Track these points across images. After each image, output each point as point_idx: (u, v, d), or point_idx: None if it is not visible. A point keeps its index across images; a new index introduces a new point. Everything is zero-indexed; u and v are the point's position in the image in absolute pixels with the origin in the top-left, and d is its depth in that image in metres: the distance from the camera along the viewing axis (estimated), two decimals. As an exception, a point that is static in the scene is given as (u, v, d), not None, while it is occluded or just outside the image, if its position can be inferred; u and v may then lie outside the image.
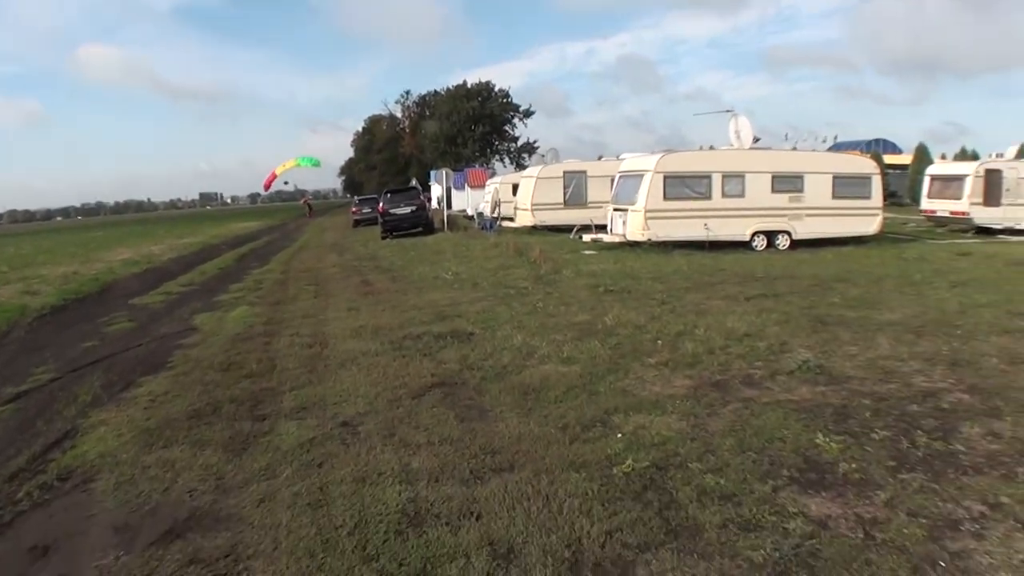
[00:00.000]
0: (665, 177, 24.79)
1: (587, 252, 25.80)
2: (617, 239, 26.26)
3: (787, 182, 25.87)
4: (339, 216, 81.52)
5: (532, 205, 36.34)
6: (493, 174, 61.62)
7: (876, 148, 63.62)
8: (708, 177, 25.20)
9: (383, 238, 38.68)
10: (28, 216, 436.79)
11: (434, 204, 60.57)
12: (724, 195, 25.26)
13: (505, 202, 42.14)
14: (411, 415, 8.37)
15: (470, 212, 52.30)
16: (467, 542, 5.40)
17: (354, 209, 60.55)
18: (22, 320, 17.92)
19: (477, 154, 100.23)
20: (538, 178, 36.63)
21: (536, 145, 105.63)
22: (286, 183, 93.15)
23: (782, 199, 25.75)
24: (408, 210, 39.71)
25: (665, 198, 24.82)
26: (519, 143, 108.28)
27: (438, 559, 5.21)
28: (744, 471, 6.32)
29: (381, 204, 40.88)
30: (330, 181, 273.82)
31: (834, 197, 26.24)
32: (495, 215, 41.57)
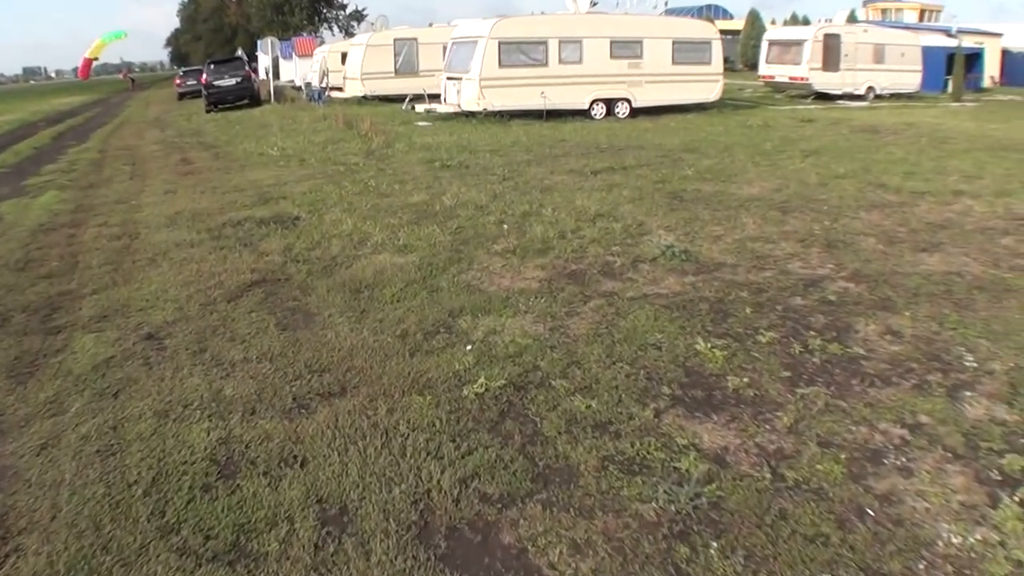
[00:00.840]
0: (500, 43, 23.44)
1: (421, 124, 24.41)
2: (451, 109, 24.85)
3: (626, 48, 24.85)
4: (165, 89, 77.07)
5: (362, 74, 34.45)
6: (322, 43, 59.09)
7: (707, 14, 63.59)
8: (544, 43, 23.94)
9: (208, 112, 36.13)
10: None
11: (262, 75, 57.94)
12: (561, 62, 24.08)
13: (334, 72, 40.09)
14: (226, 323, 7.09)
15: (299, 83, 50.06)
16: (289, 500, 4.22)
17: (178, 81, 57.44)
18: None
19: (305, 23, 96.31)
20: (367, 46, 34.62)
21: (365, 13, 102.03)
22: (96, 59, 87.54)
23: (621, 65, 24.77)
24: (233, 82, 37.19)
25: (500, 66, 23.51)
26: (348, 11, 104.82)
27: (254, 527, 4.03)
28: (618, 389, 5.31)
29: (204, 76, 38.22)
30: (157, 53, 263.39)
31: (674, 63, 25.47)
32: (324, 85, 39.51)
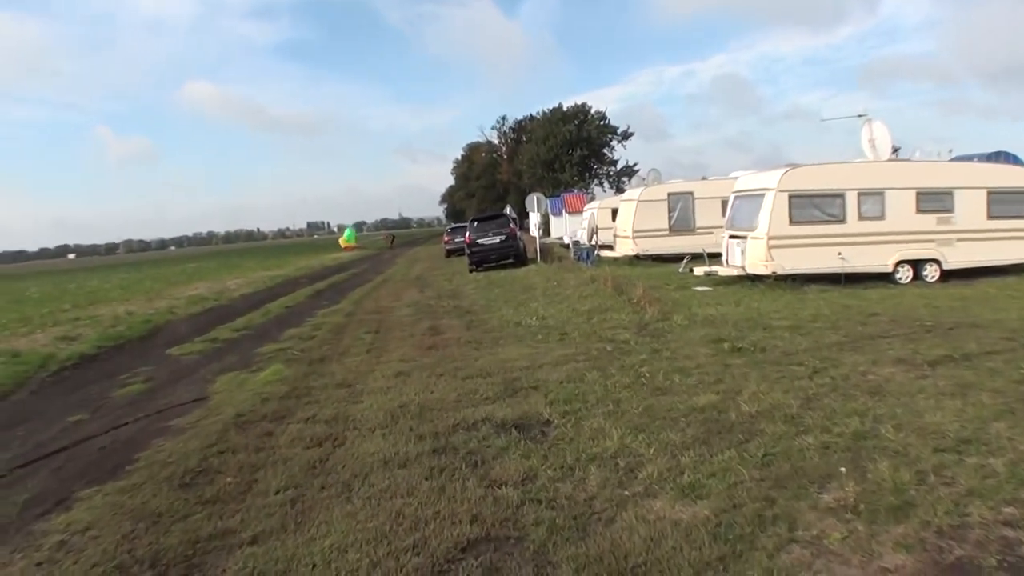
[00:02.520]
0: (790, 197, 20.89)
1: (700, 289, 21.92)
2: (735, 272, 22.33)
3: (935, 200, 21.73)
4: (435, 246, 78.76)
5: (633, 232, 32.65)
6: (592, 199, 58.47)
7: (997, 160, 58.93)
8: (841, 196, 21.17)
9: (471, 271, 35.51)
10: (143, 246, 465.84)
11: (532, 232, 57.61)
12: (861, 217, 21.22)
13: (604, 228, 38.58)
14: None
15: (567, 240, 48.96)
16: None
17: (446, 239, 58.23)
18: (36, 376, 16.09)
19: (575, 178, 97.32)
20: (639, 201, 32.90)
21: (636, 168, 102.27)
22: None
23: (929, 221, 21.64)
24: (496, 240, 36.30)
25: (791, 222, 20.92)
26: (618, 166, 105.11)
27: None
28: None
29: (468, 234, 37.53)
30: (434, 209, 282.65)
31: (990, 217, 22.07)
32: (593, 243, 37.92)
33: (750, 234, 21.50)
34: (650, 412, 9.12)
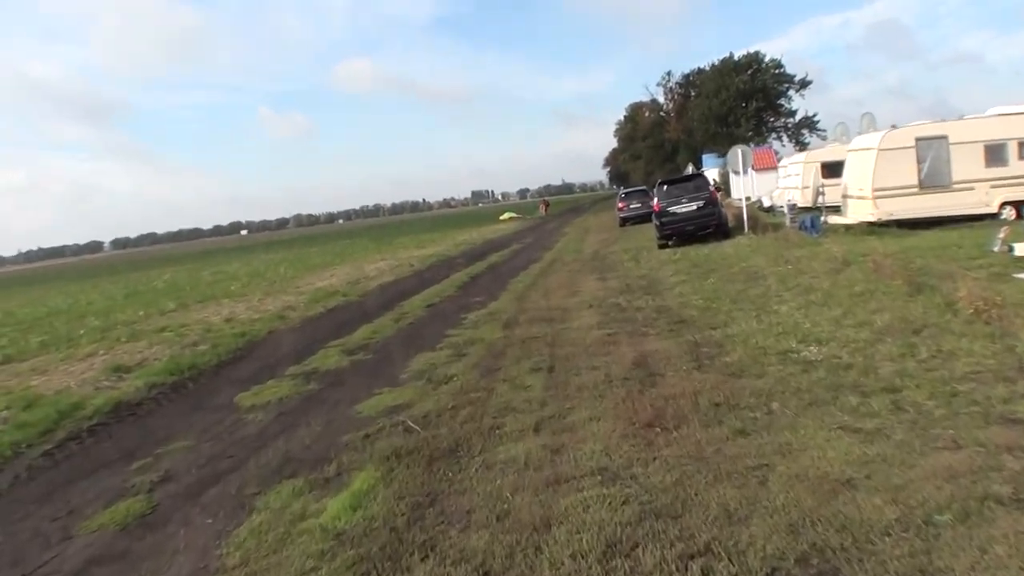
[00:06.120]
0: None
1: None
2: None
3: None
4: (604, 212, 71.76)
5: (874, 191, 24.90)
6: (777, 155, 51.96)
7: None
8: None
9: (660, 247, 28.36)
10: (312, 220, 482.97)
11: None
12: None
13: (829, 186, 31.42)
14: None
15: (766, 203, 41.60)
16: None
17: (620, 205, 51.37)
18: (26, 453, 10.71)
19: (751, 133, 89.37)
20: (879, 150, 24.96)
21: (816, 119, 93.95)
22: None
23: None
24: (694, 207, 28.76)
25: None
26: (796, 118, 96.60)
27: None
28: None
29: (656, 200, 30.08)
30: (596, 173, 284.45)
31: None
32: (818, 206, 30.56)
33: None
34: None
